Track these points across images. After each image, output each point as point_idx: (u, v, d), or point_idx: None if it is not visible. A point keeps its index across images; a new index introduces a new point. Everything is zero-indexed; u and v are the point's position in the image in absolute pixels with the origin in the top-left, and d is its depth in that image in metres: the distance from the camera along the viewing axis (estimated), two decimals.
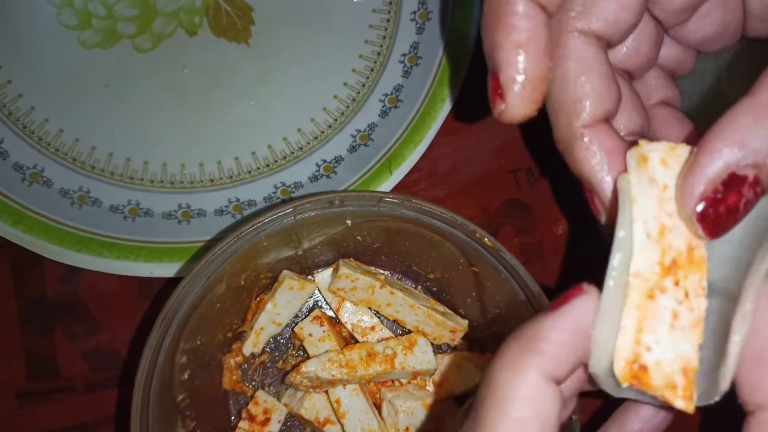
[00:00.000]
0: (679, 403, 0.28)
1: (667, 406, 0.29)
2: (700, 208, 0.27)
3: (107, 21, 0.56)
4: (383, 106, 0.56)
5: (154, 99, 0.55)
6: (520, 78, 0.30)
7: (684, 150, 0.30)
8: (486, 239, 0.44)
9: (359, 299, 0.52)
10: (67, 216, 0.51)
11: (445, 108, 0.54)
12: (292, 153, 0.55)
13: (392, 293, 0.51)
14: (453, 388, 0.51)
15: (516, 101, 0.30)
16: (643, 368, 0.28)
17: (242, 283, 0.50)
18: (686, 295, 0.29)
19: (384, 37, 0.57)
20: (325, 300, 0.53)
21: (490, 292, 0.49)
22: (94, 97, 0.55)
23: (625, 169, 0.30)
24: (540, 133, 0.59)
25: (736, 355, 0.28)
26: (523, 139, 0.59)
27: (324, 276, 0.53)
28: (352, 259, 0.53)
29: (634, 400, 0.33)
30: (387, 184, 0.53)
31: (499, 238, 0.57)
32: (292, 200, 0.44)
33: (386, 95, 0.56)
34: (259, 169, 0.55)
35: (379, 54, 0.57)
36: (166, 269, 0.51)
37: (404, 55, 0.57)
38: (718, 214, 0.27)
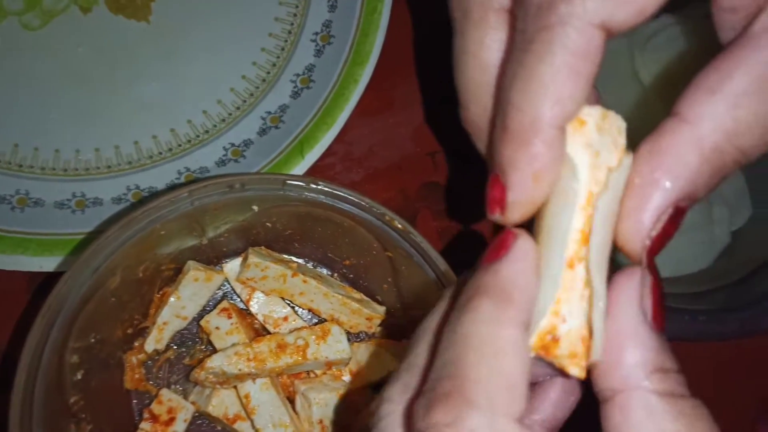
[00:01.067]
0: (573, 371, 0.27)
1: (563, 373, 0.28)
2: (648, 243, 0.27)
3: None
4: (295, 87, 0.53)
5: (44, 80, 0.51)
6: (528, 202, 0.28)
7: (614, 118, 0.28)
8: (396, 222, 0.43)
9: (271, 289, 0.49)
10: None
11: (359, 88, 0.52)
12: (197, 137, 0.52)
13: (305, 282, 0.48)
14: (370, 377, 0.49)
15: (516, 216, 0.29)
16: (555, 340, 0.27)
17: (141, 275, 0.46)
18: (604, 268, 0.28)
19: (294, 15, 0.54)
20: (234, 291, 0.50)
21: (405, 277, 0.47)
22: None
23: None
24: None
25: (601, 330, 0.27)
26: (443, 121, 0.57)
27: (233, 266, 0.50)
28: (263, 247, 0.50)
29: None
30: (299, 168, 0.50)
31: (418, 222, 0.56)
32: (188, 184, 0.41)
33: (298, 75, 0.53)
34: (161, 153, 0.51)
35: (289, 32, 0.54)
36: (57, 263, 0.47)
37: (316, 33, 0.54)
38: (658, 245, 0.27)
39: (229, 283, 0.51)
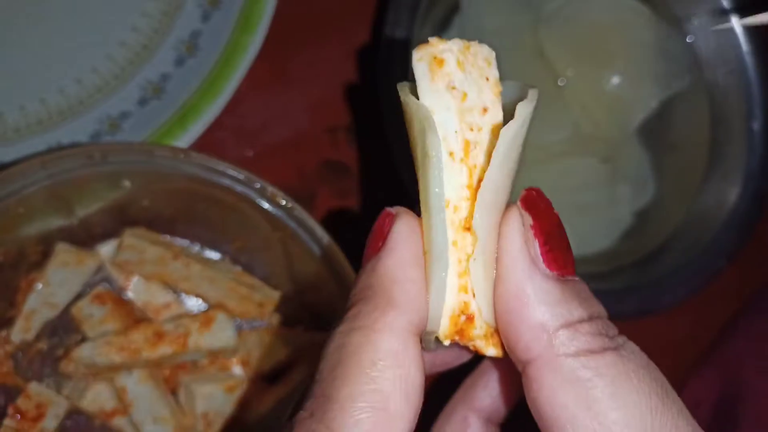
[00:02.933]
0: (491, 351, 0.24)
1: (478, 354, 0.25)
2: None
3: None
4: (179, 55, 0.49)
5: None
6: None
7: (479, 48, 0.25)
8: (279, 198, 0.40)
9: (150, 273, 0.45)
10: None
11: (248, 57, 0.48)
12: (70, 108, 0.48)
13: (188, 265, 0.45)
14: (261, 367, 0.46)
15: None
16: (470, 319, 0.24)
17: (1, 259, 0.42)
18: (496, 224, 0.24)
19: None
20: (110, 274, 0.47)
21: (297, 259, 0.45)
22: None
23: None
24: (362, 89, 0.55)
25: (484, 290, 0.24)
26: (344, 95, 0.54)
27: (110, 248, 0.46)
28: (143, 228, 0.46)
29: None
30: (181, 142, 0.47)
31: (317, 202, 0.53)
32: (42, 154, 0.37)
33: (182, 42, 0.49)
34: (29, 126, 0.47)
35: None
36: None
37: None
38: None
39: (105, 268, 0.47)
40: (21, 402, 0.43)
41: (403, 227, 0.23)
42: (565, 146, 0.52)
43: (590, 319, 0.22)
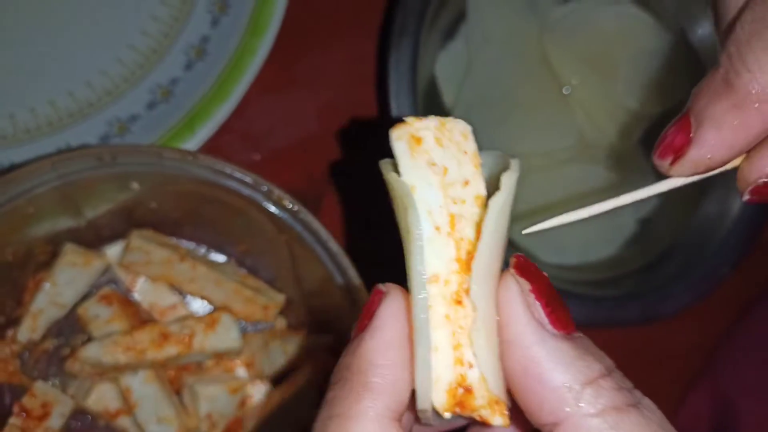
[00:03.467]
0: (497, 420, 0.23)
1: (485, 424, 0.24)
2: (762, 182, 0.26)
3: None
4: (188, 59, 0.50)
5: None
6: (705, 164, 0.27)
7: (454, 123, 0.25)
8: (285, 201, 0.40)
9: (157, 275, 0.46)
10: None
11: (257, 61, 0.49)
12: (80, 110, 0.48)
13: (194, 268, 0.45)
14: (264, 369, 0.46)
15: (685, 172, 0.28)
16: (469, 391, 0.24)
17: (10, 258, 0.42)
18: (494, 291, 0.24)
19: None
20: (117, 276, 0.47)
21: (303, 262, 0.45)
22: None
23: None
24: (369, 91, 0.55)
25: (489, 362, 0.23)
26: (352, 98, 0.55)
27: (117, 250, 0.46)
28: (150, 229, 0.46)
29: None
30: (189, 145, 0.47)
31: (324, 205, 0.53)
32: (53, 155, 0.37)
33: (192, 47, 0.50)
34: (39, 128, 0.47)
35: (184, 1, 0.51)
36: None
37: (213, 3, 0.51)
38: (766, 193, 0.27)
39: (112, 269, 0.47)
40: (26, 401, 0.44)
41: (390, 307, 0.23)
42: (570, 153, 0.53)
43: (609, 372, 0.22)
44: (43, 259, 0.45)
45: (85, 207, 0.43)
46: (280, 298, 0.47)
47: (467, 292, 0.23)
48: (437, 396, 0.23)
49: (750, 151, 0.26)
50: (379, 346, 0.23)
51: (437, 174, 0.25)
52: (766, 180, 0.26)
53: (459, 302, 0.23)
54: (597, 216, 0.53)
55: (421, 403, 0.23)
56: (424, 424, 0.25)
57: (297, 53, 0.54)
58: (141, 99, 0.49)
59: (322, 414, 0.22)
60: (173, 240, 0.47)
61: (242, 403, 0.45)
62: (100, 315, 0.44)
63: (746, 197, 0.26)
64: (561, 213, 0.26)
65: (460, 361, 0.23)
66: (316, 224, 0.40)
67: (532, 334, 0.23)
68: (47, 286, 0.44)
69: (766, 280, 0.55)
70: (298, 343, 0.47)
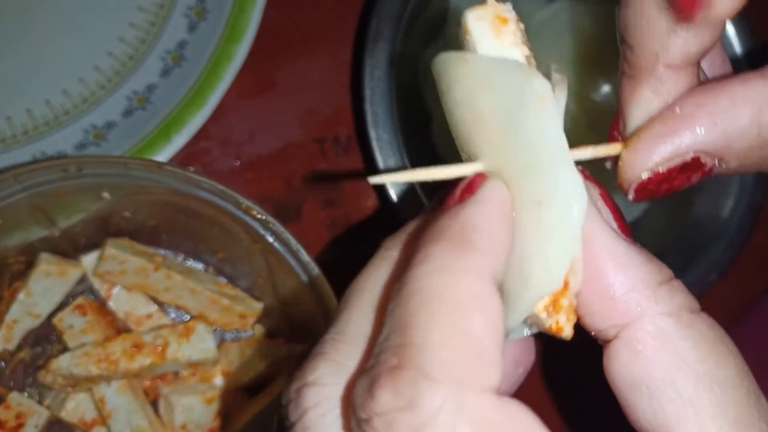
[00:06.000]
0: (568, 331, 0.22)
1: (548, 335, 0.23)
2: (645, 177, 0.23)
3: None
4: (165, 65, 0.49)
5: None
6: None
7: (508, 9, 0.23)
8: (254, 211, 0.39)
9: (132, 284, 0.45)
10: None
11: (234, 66, 0.48)
12: (56, 118, 0.48)
13: (169, 277, 0.45)
14: (242, 378, 0.46)
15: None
16: (566, 285, 0.22)
17: None
18: None
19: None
20: (92, 285, 0.47)
21: (278, 271, 0.44)
22: None
23: None
24: (356, 99, 0.55)
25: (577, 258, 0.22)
26: (331, 105, 0.54)
27: (93, 259, 0.46)
28: (126, 238, 0.46)
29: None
30: (165, 153, 0.47)
31: (305, 212, 0.52)
32: (16, 167, 0.37)
33: (168, 52, 0.50)
34: (15, 137, 0.47)
35: (161, 6, 0.50)
36: None
37: (190, 8, 0.50)
38: (655, 187, 0.24)
39: (88, 279, 0.47)
40: (1, 412, 0.44)
41: (498, 187, 0.22)
42: None
43: (673, 277, 0.22)
44: (17, 269, 0.45)
45: (58, 217, 0.42)
46: (257, 307, 0.47)
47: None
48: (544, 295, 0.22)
49: (630, 138, 0.24)
50: (485, 213, 0.21)
51: (525, 55, 0.23)
52: (651, 173, 0.23)
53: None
54: None
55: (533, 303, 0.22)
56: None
57: (277, 60, 0.53)
58: (117, 106, 0.48)
59: (417, 270, 0.20)
60: (150, 249, 0.47)
61: (218, 414, 0.45)
62: (75, 325, 0.44)
63: (631, 196, 0.24)
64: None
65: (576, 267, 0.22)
66: (286, 234, 0.39)
67: (605, 234, 0.22)
68: (22, 296, 0.44)
69: (758, 286, 0.54)
70: (275, 352, 0.46)
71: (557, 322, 0.22)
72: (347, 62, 0.54)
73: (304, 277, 0.41)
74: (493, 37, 0.23)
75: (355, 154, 0.53)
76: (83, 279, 0.47)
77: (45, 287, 0.44)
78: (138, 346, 0.43)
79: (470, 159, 0.24)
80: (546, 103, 0.22)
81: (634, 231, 0.53)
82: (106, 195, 0.42)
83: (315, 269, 0.39)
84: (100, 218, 0.44)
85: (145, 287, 0.45)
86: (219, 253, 0.47)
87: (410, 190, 0.45)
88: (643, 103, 0.24)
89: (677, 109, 0.23)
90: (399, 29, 0.46)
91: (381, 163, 0.45)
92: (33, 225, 0.42)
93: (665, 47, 0.23)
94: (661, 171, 0.23)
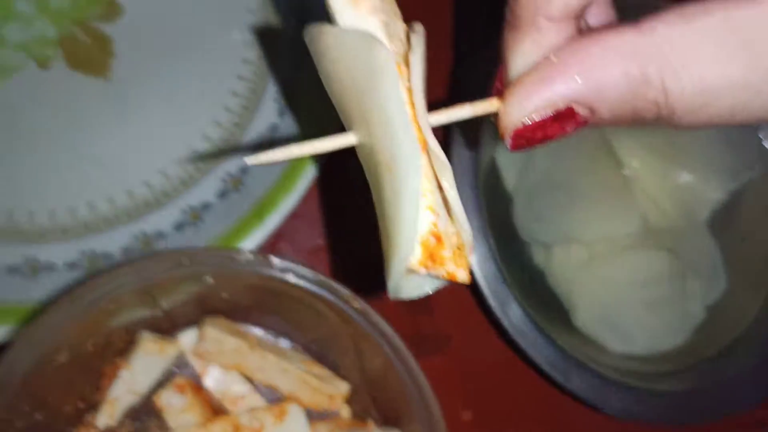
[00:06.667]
0: (461, 274, 0.24)
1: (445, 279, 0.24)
2: (521, 125, 0.24)
3: None
4: (257, 149, 0.51)
5: (0, 138, 0.49)
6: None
7: None
8: (355, 302, 0.41)
9: (228, 363, 0.47)
10: None
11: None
12: (156, 199, 0.50)
13: (263, 357, 0.46)
14: None
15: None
16: (438, 240, 0.23)
17: (90, 348, 0.44)
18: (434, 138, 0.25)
19: (257, 74, 0.53)
20: (190, 364, 0.48)
21: (367, 354, 0.46)
22: None
23: None
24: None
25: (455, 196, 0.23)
26: None
27: (189, 337, 0.48)
28: (221, 316, 0.48)
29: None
30: (259, 233, 0.49)
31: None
32: (134, 261, 0.39)
33: (260, 135, 0.52)
34: (117, 217, 0.50)
35: (253, 92, 0.53)
36: (7, 332, 0.45)
37: (280, 93, 0.53)
38: (528, 135, 0.25)
39: (186, 355, 0.48)
40: None
41: None
42: (633, 239, 0.52)
43: None
44: (119, 346, 0.47)
45: (162, 299, 0.44)
46: (344, 387, 0.48)
47: (425, 142, 0.24)
48: (415, 251, 0.23)
49: (508, 87, 0.25)
50: None
51: (381, 21, 0.24)
52: (526, 122, 0.24)
53: (425, 147, 0.24)
54: (663, 304, 0.52)
55: (405, 251, 0.23)
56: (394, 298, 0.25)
57: None
58: (213, 188, 0.51)
59: None
60: (242, 326, 0.49)
61: None
62: (174, 403, 0.46)
63: (508, 142, 0.25)
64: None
65: (430, 208, 0.23)
66: (376, 317, 0.40)
67: None
68: (124, 373, 0.46)
69: None
70: None
71: (447, 272, 0.24)
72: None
73: (392, 357, 0.42)
74: (351, 7, 0.24)
75: None
76: (179, 356, 0.48)
77: (145, 365, 0.46)
78: (237, 429, 0.44)
79: (347, 129, 0.26)
80: (386, 73, 0.23)
81: (716, 313, 0.53)
82: (209, 280, 0.44)
83: (402, 348, 0.40)
84: (199, 298, 0.46)
85: (241, 367, 0.47)
86: (307, 332, 0.49)
87: (494, 271, 0.46)
88: (524, 53, 0.25)
89: (553, 59, 0.24)
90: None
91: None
92: (139, 307, 0.44)
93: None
94: (535, 119, 0.24)
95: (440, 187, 0.25)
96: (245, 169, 0.51)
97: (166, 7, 0.52)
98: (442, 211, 0.24)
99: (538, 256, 0.52)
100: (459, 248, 0.24)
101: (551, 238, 0.52)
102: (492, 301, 0.44)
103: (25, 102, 0.50)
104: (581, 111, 0.24)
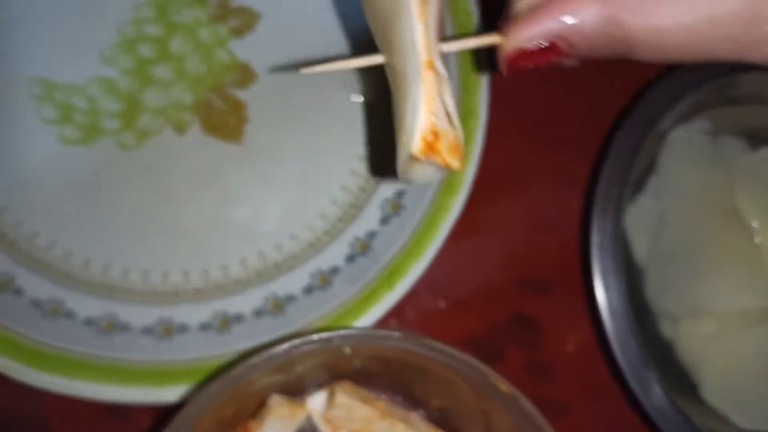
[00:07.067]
0: (454, 164, 0.31)
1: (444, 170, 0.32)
2: (514, 53, 0.32)
3: (90, 116, 0.52)
4: (384, 213, 0.52)
5: (137, 201, 0.51)
6: None
7: None
8: (501, 385, 0.41)
9: (357, 430, 0.47)
10: (37, 330, 0.47)
11: (451, 218, 0.51)
12: (285, 261, 0.51)
13: (393, 425, 0.46)
14: None
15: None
16: (436, 135, 0.31)
17: (229, 413, 0.45)
18: (445, 64, 0.32)
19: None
20: (317, 427, 0.49)
21: (496, 421, 0.45)
22: (73, 197, 0.51)
23: None
24: (550, 241, 0.56)
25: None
26: (530, 248, 0.55)
27: (318, 400, 0.48)
28: (349, 382, 0.48)
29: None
30: (388, 300, 0.49)
31: (506, 356, 0.54)
32: (285, 339, 0.40)
33: (387, 201, 0.53)
34: (249, 278, 0.51)
35: None
36: (143, 393, 0.46)
37: None
38: (521, 61, 0.32)
39: (312, 418, 0.49)
40: None
41: None
42: (764, 313, 0.51)
43: None
44: (252, 408, 0.47)
45: (298, 366, 0.45)
46: None
47: (431, 59, 0.31)
48: (416, 140, 0.31)
49: (508, 25, 0.32)
50: None
51: None
52: (518, 51, 0.31)
53: (430, 67, 0.31)
54: None
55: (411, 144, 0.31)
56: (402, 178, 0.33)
57: (481, 201, 0.55)
58: (341, 251, 0.51)
59: None
60: (370, 391, 0.49)
61: None
62: None
63: (504, 67, 0.32)
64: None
65: (430, 111, 0.31)
66: (531, 408, 0.40)
67: None
68: None
69: None
70: None
71: (444, 160, 0.31)
72: (546, 205, 0.56)
73: (522, 424, 0.42)
74: None
75: (556, 297, 0.54)
76: (308, 419, 0.49)
77: (275, 428, 0.47)
78: None
79: (379, 51, 0.34)
80: (404, 10, 0.31)
81: None
82: (347, 351, 0.44)
83: (535, 413, 0.40)
84: (332, 365, 0.47)
85: None
86: (434, 400, 0.49)
87: (635, 351, 0.45)
88: None
89: (547, 2, 0.31)
90: (626, 185, 0.47)
91: (609, 328, 0.45)
92: (276, 375, 0.45)
93: None
94: (525, 48, 0.31)
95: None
96: (372, 234, 0.52)
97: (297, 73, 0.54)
98: (443, 117, 0.31)
99: (666, 328, 0.51)
100: (455, 145, 0.31)
101: (679, 310, 0.51)
102: (633, 384, 0.43)
103: (161, 165, 0.52)
104: (562, 44, 0.31)
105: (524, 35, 0.31)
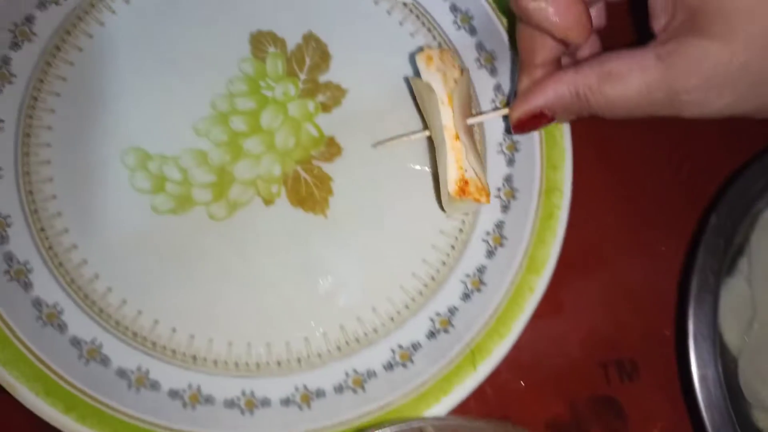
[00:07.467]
0: (483, 199, 0.48)
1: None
2: (517, 120, 0.47)
3: (182, 186, 0.53)
4: (465, 289, 0.52)
5: (224, 270, 0.52)
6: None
7: (447, 52, 0.50)
8: None
9: None
10: (124, 401, 0.47)
11: (535, 297, 0.50)
12: (366, 335, 0.51)
13: None
14: None
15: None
16: (466, 182, 0.47)
17: None
18: (471, 134, 0.50)
19: (466, 214, 0.54)
20: None
21: None
22: (162, 266, 0.52)
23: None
24: (636, 322, 0.55)
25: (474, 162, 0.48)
26: (616, 328, 0.54)
27: None
28: None
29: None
30: (471, 380, 0.48)
31: None
32: (373, 425, 0.39)
33: (468, 276, 0.52)
34: (329, 352, 0.51)
35: (460, 231, 0.54)
36: None
37: (488, 233, 0.53)
38: (525, 128, 0.48)
39: None
40: None
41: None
42: None
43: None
44: None
45: None
46: None
47: (456, 134, 0.48)
48: (450, 185, 0.47)
49: (513, 101, 0.48)
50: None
51: (441, 75, 0.49)
52: (520, 118, 0.47)
53: (457, 139, 0.48)
54: None
55: (448, 188, 0.48)
56: (448, 214, 0.53)
57: (562, 279, 0.55)
58: (421, 327, 0.51)
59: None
60: None
61: None
62: None
63: (512, 128, 0.48)
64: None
65: (460, 167, 0.47)
66: None
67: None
68: None
69: None
70: None
71: (475, 198, 0.47)
72: (627, 285, 0.55)
73: None
74: (425, 66, 0.49)
75: (643, 382, 0.53)
76: None
77: None
78: None
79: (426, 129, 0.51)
80: (435, 105, 0.49)
81: None
82: (430, 430, 0.43)
83: None
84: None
85: None
86: None
87: (728, 422, 0.43)
88: (523, 82, 0.48)
89: (537, 85, 0.46)
90: (721, 272, 0.46)
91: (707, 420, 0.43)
92: None
93: (536, 54, 0.46)
94: (524, 117, 0.46)
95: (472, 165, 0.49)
96: (453, 309, 0.51)
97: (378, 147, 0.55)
98: (470, 170, 0.48)
99: (761, 417, 0.49)
100: (481, 187, 0.48)
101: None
102: None
103: (248, 236, 0.53)
104: (547, 112, 0.46)
105: (523, 109, 0.46)
